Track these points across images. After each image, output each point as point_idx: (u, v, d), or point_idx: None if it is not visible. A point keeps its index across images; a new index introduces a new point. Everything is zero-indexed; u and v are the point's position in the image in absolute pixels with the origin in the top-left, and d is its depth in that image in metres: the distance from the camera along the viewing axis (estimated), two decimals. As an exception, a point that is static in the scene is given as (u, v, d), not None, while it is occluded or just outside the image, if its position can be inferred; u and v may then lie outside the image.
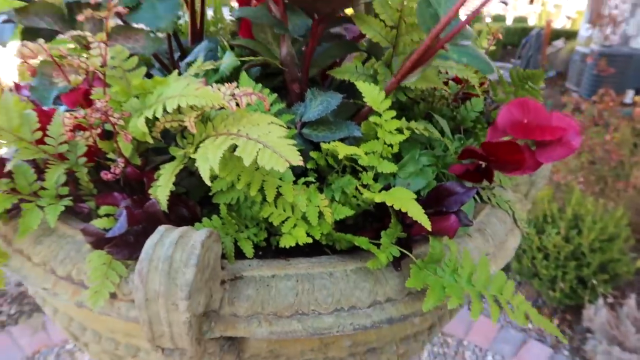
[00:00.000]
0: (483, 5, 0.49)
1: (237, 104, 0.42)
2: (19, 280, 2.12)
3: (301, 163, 0.37)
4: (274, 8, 0.61)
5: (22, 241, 0.51)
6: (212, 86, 0.45)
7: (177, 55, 0.76)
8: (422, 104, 0.67)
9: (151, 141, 0.47)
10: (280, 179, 0.46)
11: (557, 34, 7.45)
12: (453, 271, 0.46)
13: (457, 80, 0.73)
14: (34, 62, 0.65)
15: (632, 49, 5.17)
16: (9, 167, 0.47)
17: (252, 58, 0.61)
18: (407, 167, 0.54)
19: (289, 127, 0.56)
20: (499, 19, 10.18)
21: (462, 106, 0.67)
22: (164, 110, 0.44)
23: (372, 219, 0.54)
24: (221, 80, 0.58)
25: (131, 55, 0.52)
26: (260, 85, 0.54)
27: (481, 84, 0.73)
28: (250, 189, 0.45)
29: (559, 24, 9.98)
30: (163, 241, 0.40)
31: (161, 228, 0.42)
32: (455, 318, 2.10)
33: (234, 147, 0.41)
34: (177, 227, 0.42)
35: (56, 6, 0.58)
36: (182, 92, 0.43)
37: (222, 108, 0.46)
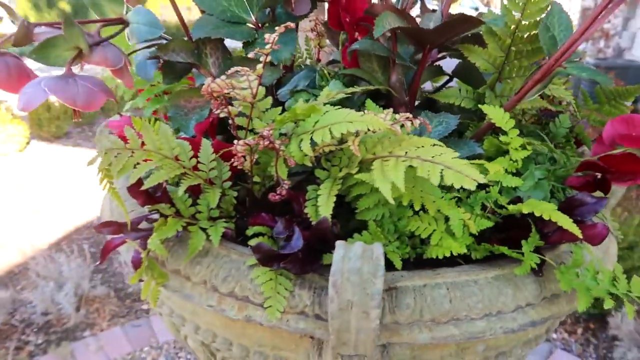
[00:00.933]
0: (597, 26, 0.54)
1: (402, 127, 0.47)
2: (45, 309, 2.12)
3: (483, 180, 0.42)
4: (383, 40, 0.66)
5: (177, 262, 0.55)
6: (365, 112, 0.50)
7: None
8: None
9: (310, 164, 0.51)
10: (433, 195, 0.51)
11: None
12: (594, 276, 0.50)
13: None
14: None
15: (627, 60, 5.31)
16: (180, 192, 0.51)
17: (364, 88, 0.65)
18: (527, 181, 0.58)
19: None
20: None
21: (552, 123, 0.72)
22: (330, 134, 0.48)
23: (496, 231, 0.58)
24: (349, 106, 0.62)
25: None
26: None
27: (560, 102, 0.78)
28: (415, 204, 0.49)
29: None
30: (349, 255, 0.44)
31: (340, 243, 0.45)
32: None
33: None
34: (355, 242, 0.46)
35: (188, 43, 0.62)
36: (347, 118, 0.48)
37: (372, 131, 0.50)
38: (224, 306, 0.51)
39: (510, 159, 0.56)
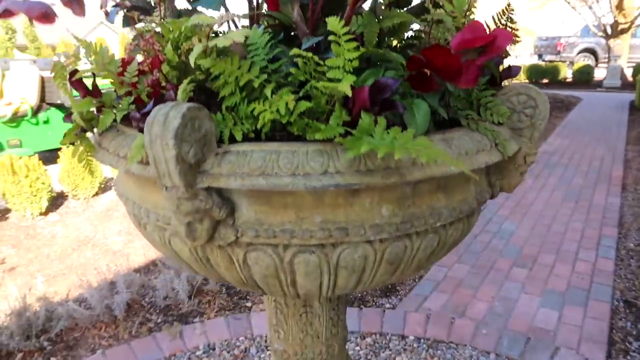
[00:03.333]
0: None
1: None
2: (166, 294, 2.50)
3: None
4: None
5: (106, 140, 0.76)
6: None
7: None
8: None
9: (176, 59, 0.69)
10: (257, 77, 0.64)
11: None
12: (381, 137, 0.58)
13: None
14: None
15: None
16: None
17: (269, 21, 0.81)
18: (368, 81, 0.68)
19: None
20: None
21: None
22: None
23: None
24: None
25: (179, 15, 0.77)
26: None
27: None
28: (239, 83, 0.63)
29: None
30: (165, 105, 0.60)
31: (169, 102, 0.62)
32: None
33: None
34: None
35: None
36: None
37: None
38: (118, 164, 0.71)
39: (345, 58, 0.66)
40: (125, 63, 0.78)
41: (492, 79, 0.82)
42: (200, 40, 0.66)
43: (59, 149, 4.14)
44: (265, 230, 0.67)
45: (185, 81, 0.67)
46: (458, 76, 0.63)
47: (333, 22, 0.67)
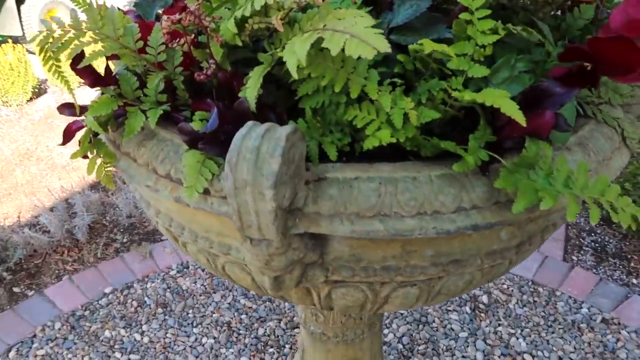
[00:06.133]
0: None
1: (323, -2, 0.42)
2: (129, 212, 2.34)
3: (389, 49, 0.36)
4: None
5: (128, 144, 0.56)
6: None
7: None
8: (521, 13, 0.62)
9: (240, 43, 0.48)
10: (365, 78, 0.46)
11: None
12: (547, 175, 0.43)
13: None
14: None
15: None
16: (115, 72, 0.51)
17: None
18: (502, 72, 0.51)
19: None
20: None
21: (569, 14, 0.61)
22: (252, 9, 0.44)
23: (460, 128, 0.52)
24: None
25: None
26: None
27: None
28: (335, 87, 0.45)
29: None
30: (251, 134, 0.42)
31: (249, 123, 0.43)
32: (549, 268, 2.00)
33: (321, 43, 0.41)
34: (265, 123, 0.43)
35: None
36: (268, -11, 0.44)
37: (307, 7, 0.46)
38: (159, 186, 0.52)
39: (476, 44, 0.48)
40: (145, 27, 0.55)
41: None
42: (279, 14, 0.45)
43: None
44: (364, 269, 0.53)
45: (257, 72, 0.47)
46: (630, 72, 0.47)
47: (460, -9, 0.48)
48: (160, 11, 0.63)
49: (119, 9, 0.76)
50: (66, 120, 0.54)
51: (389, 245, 0.53)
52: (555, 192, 0.42)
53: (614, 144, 0.58)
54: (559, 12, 0.66)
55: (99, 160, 0.54)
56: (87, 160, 0.56)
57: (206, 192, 0.49)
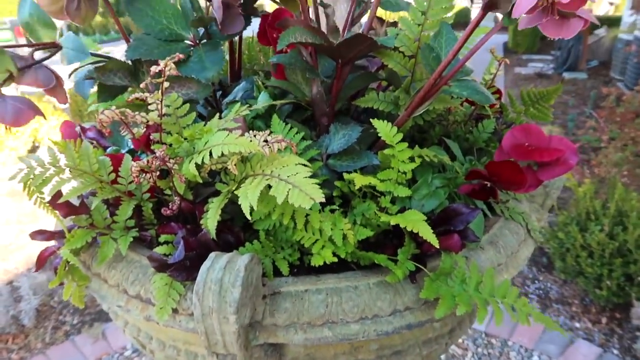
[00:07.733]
0: (478, 47, 0.56)
1: (271, 149, 0.51)
2: None
3: (323, 199, 0.46)
4: (305, 54, 0.69)
5: (99, 266, 0.62)
6: (249, 133, 0.54)
7: (219, 93, 0.86)
8: (437, 127, 0.74)
9: (200, 180, 0.56)
10: (310, 208, 0.55)
11: (599, 22, 7.21)
12: (462, 281, 0.53)
13: (469, 102, 0.80)
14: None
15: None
16: (92, 206, 0.58)
17: (286, 101, 0.69)
18: (421, 189, 0.61)
19: (316, 159, 0.64)
20: (537, 9, 9.90)
21: (475, 128, 0.74)
22: (210, 156, 0.53)
23: (392, 237, 0.62)
24: (257, 117, 0.67)
25: (185, 102, 0.62)
26: (289, 127, 0.63)
27: (492, 106, 0.79)
28: (283, 218, 0.53)
29: (601, 10, 9.65)
30: (214, 266, 0.49)
31: (212, 255, 0.51)
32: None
33: (269, 186, 0.50)
34: (226, 254, 0.51)
35: (126, 63, 0.68)
36: (225, 140, 0.53)
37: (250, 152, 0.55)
38: (130, 307, 0.58)
39: (399, 171, 0.59)
40: (115, 160, 0.62)
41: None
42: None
43: None
44: (319, 366, 0.60)
45: (216, 204, 0.55)
46: (520, 187, 0.59)
47: (383, 128, 0.59)
48: (129, 140, 0.70)
49: (80, 126, 0.83)
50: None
51: (339, 344, 0.60)
52: (468, 297, 0.51)
53: (520, 237, 0.70)
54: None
55: (74, 284, 0.60)
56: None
57: (175, 311, 0.55)
